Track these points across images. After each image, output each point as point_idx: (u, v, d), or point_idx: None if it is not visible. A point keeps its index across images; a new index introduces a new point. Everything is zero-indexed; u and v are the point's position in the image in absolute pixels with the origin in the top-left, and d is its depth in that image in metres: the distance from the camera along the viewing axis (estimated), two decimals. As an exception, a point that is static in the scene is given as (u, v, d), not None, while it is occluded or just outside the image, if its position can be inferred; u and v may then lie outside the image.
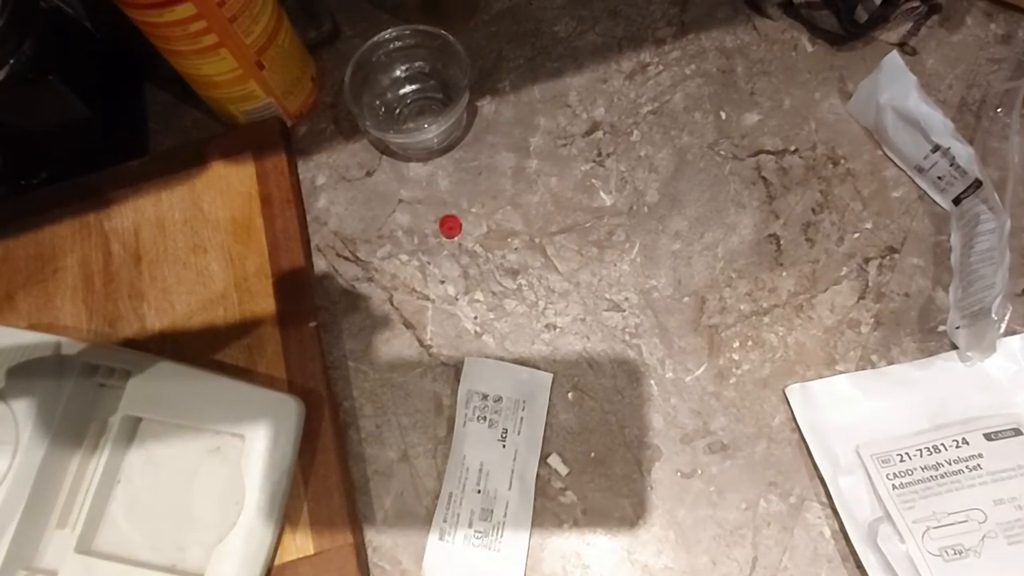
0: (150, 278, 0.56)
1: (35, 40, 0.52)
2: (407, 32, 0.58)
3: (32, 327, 0.51)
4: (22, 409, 0.46)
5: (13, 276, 0.56)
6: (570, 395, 0.52)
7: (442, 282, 0.56)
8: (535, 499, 0.49)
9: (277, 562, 0.46)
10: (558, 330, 0.54)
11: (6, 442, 0.45)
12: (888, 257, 0.53)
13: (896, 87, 0.53)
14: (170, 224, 0.57)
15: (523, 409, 0.51)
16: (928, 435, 0.47)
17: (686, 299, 0.54)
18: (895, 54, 0.54)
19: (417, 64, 0.61)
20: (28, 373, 0.47)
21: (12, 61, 0.51)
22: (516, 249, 0.57)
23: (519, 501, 0.48)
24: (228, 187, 0.58)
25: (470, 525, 0.48)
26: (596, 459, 0.50)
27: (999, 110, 0.56)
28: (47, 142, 0.60)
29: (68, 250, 0.57)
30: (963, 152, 0.51)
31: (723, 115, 0.59)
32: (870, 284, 0.53)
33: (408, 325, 0.55)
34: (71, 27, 0.59)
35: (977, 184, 0.50)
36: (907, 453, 0.47)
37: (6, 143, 0.59)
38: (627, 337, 0.53)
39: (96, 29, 0.61)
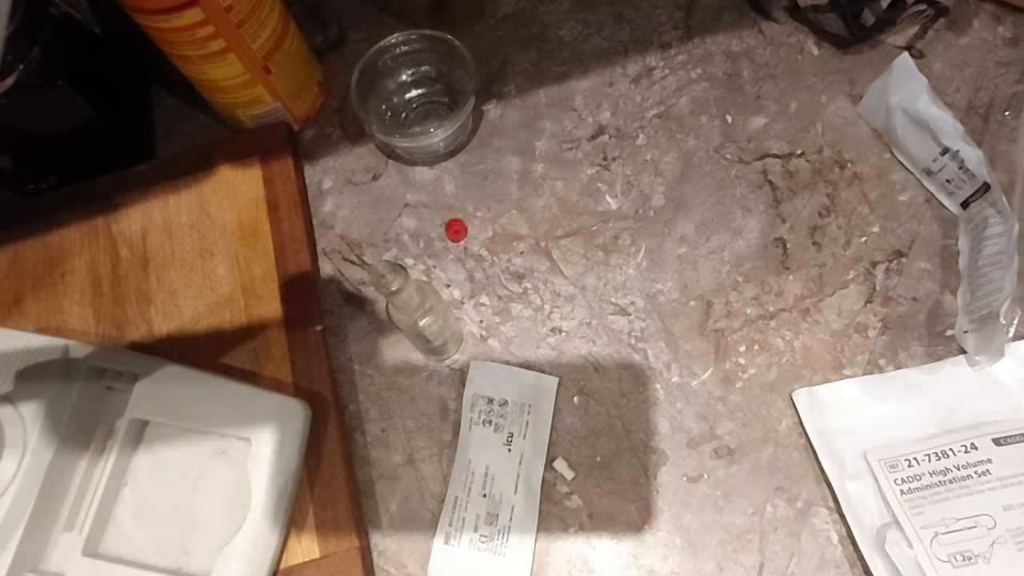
0: (157, 282, 0.56)
1: (45, 46, 0.52)
2: (413, 37, 0.58)
3: (40, 330, 0.51)
4: (30, 412, 0.46)
5: (22, 279, 0.57)
6: (576, 399, 0.52)
7: (448, 286, 0.56)
8: (541, 503, 0.49)
9: (283, 565, 0.46)
10: (564, 334, 0.54)
11: (14, 445, 0.45)
12: (895, 261, 0.53)
13: (906, 89, 0.53)
14: (177, 228, 0.58)
15: (529, 413, 0.51)
16: (936, 440, 0.47)
17: (692, 303, 0.54)
18: (906, 55, 0.54)
19: (423, 68, 0.61)
20: (36, 376, 0.47)
21: (22, 67, 0.51)
22: (522, 253, 0.57)
23: (525, 505, 0.48)
24: (235, 191, 0.58)
25: (475, 529, 0.48)
26: (602, 463, 0.50)
27: (1007, 113, 0.56)
28: (56, 147, 0.60)
29: (76, 254, 0.57)
30: (972, 155, 0.50)
31: (729, 119, 0.59)
32: (877, 288, 0.53)
33: (414, 329, 0.55)
34: (80, 33, 0.60)
35: (985, 187, 0.50)
36: (915, 458, 0.46)
37: (15, 148, 0.60)
38: (633, 341, 0.53)
39: (105, 35, 0.62)
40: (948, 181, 0.53)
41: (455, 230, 0.57)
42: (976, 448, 0.46)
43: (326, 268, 0.58)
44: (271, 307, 0.54)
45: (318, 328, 0.53)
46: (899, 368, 0.50)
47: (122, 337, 0.54)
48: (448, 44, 0.58)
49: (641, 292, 0.54)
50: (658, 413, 0.51)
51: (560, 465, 0.49)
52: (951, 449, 0.46)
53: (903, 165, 0.56)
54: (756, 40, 0.62)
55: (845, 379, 0.50)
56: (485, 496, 0.48)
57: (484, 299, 0.55)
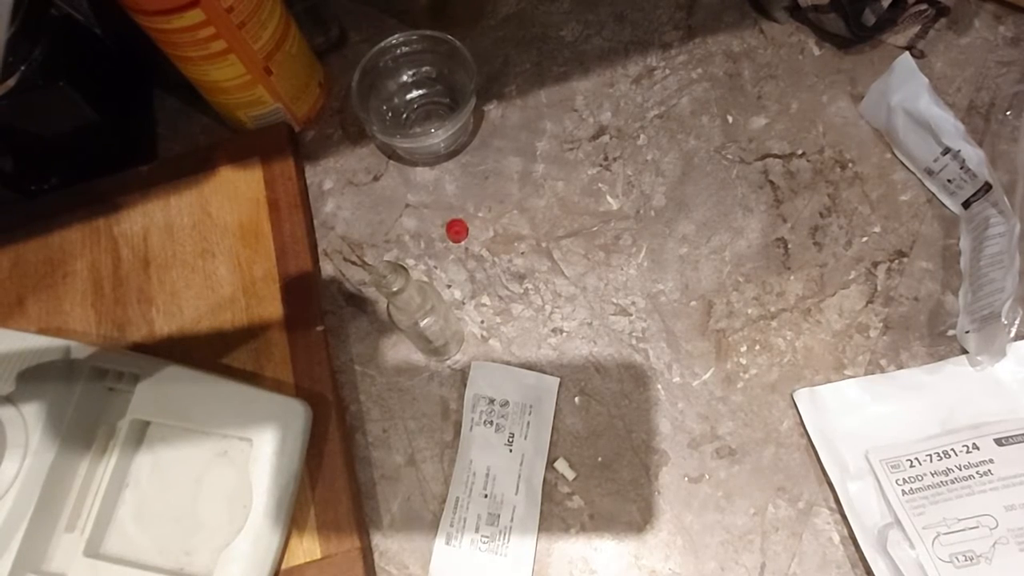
0: (159, 282, 0.56)
1: (46, 47, 0.52)
2: (414, 37, 0.59)
3: (42, 331, 0.51)
4: (32, 413, 0.46)
5: (23, 281, 0.57)
6: (577, 399, 0.52)
7: (449, 286, 0.56)
8: (542, 504, 0.49)
9: (284, 566, 0.46)
10: (565, 334, 0.54)
11: (16, 446, 0.45)
12: (897, 261, 0.53)
13: (907, 88, 0.53)
14: (179, 229, 0.58)
15: (530, 413, 0.51)
16: (938, 440, 0.47)
17: (693, 303, 0.54)
18: (907, 55, 0.54)
19: (424, 69, 0.61)
20: (38, 377, 0.47)
21: (23, 68, 0.51)
22: (523, 253, 0.57)
23: (526, 506, 0.48)
24: (236, 192, 0.58)
25: (477, 530, 0.48)
26: (603, 464, 0.50)
27: (1008, 113, 0.56)
28: (57, 148, 0.60)
29: (78, 255, 0.57)
30: (973, 155, 0.50)
31: (730, 119, 0.59)
32: (879, 288, 0.52)
33: (415, 329, 0.55)
34: (81, 34, 0.60)
35: (987, 187, 0.50)
36: (917, 458, 0.46)
37: (17, 149, 0.60)
38: (634, 341, 0.53)
39: (106, 36, 0.62)
40: (949, 181, 0.53)
41: (456, 231, 0.57)
42: (978, 448, 0.46)
43: (327, 269, 0.58)
44: (272, 308, 0.54)
45: (319, 329, 0.53)
46: (901, 368, 0.50)
47: (123, 338, 0.54)
48: (449, 45, 0.58)
49: (642, 292, 0.54)
50: (659, 413, 0.51)
51: (561, 465, 0.49)
52: (953, 449, 0.46)
53: (904, 165, 0.56)
54: (757, 40, 0.62)
55: (846, 379, 0.50)
56: (486, 497, 0.48)
57: (485, 299, 0.55)
